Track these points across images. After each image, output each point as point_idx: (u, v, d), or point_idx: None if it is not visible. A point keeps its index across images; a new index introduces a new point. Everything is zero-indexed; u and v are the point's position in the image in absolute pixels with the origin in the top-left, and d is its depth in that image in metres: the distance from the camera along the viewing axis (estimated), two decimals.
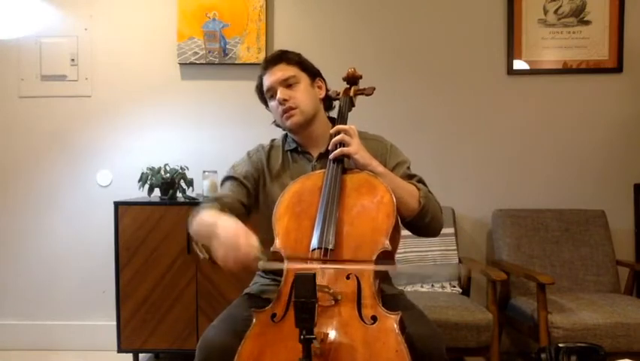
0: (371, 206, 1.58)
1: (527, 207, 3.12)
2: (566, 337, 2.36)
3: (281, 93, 1.78)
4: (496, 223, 3.10)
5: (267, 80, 1.81)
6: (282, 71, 1.79)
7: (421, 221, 1.69)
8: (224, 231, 1.43)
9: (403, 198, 1.63)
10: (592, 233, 3.01)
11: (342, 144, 1.67)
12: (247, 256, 1.39)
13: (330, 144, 1.69)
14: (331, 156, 1.67)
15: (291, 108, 1.78)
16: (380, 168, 1.66)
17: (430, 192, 1.74)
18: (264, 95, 1.85)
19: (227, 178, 1.85)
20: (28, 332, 3.27)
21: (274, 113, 1.85)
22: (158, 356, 3.12)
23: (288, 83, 1.79)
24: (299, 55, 1.85)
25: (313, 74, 1.86)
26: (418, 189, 1.70)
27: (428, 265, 2.97)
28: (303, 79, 1.82)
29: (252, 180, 1.83)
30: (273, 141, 1.93)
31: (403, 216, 1.67)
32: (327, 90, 1.89)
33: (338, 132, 1.69)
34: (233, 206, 1.73)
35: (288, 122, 1.80)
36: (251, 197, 1.82)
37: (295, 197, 1.64)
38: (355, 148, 1.66)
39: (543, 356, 1.99)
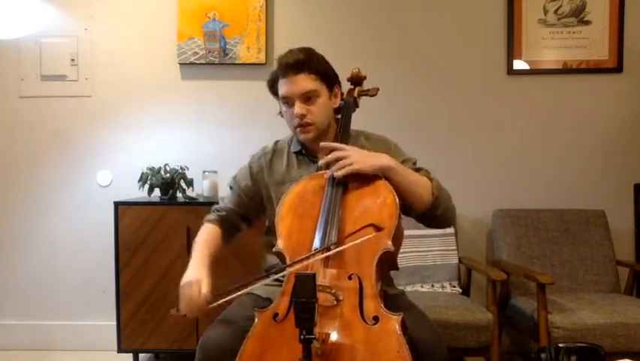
0: (374, 207, 1.58)
1: (527, 207, 3.12)
2: (566, 337, 2.36)
3: (299, 108, 1.73)
4: (496, 223, 3.10)
5: (285, 88, 1.75)
6: (303, 83, 1.73)
7: (435, 212, 1.68)
8: (183, 282, 1.64)
9: (417, 191, 1.63)
10: (592, 233, 3.01)
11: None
12: (196, 308, 1.59)
13: (329, 172, 1.63)
14: (337, 174, 1.59)
15: (308, 124, 1.74)
16: (392, 163, 1.62)
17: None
18: (275, 90, 1.80)
19: (230, 187, 1.94)
20: (28, 332, 3.26)
21: (287, 119, 1.81)
22: (158, 356, 3.12)
23: (307, 97, 1.74)
24: (321, 61, 1.77)
25: (333, 82, 1.80)
26: (431, 180, 1.70)
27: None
28: (323, 92, 1.76)
29: (250, 194, 1.88)
30: (276, 143, 1.92)
31: (417, 209, 1.67)
32: (342, 96, 1.86)
33: (330, 156, 1.64)
34: (232, 219, 1.88)
35: (302, 137, 1.78)
36: (249, 209, 1.89)
37: (297, 198, 1.64)
38: (358, 165, 1.59)
39: (543, 356, 1.99)
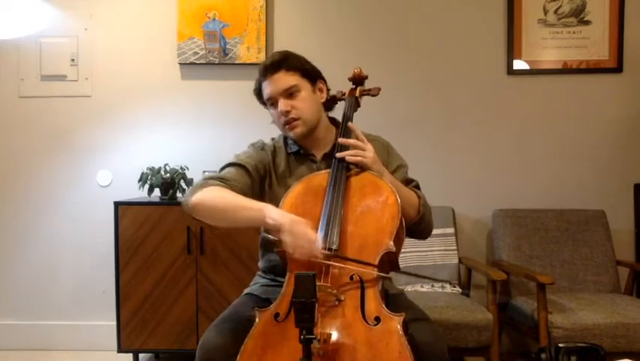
0: (376, 206, 1.59)
1: (527, 207, 3.12)
2: (566, 337, 2.37)
3: (283, 105, 1.74)
4: (496, 223, 3.10)
5: (267, 89, 1.77)
6: (283, 80, 1.74)
7: (416, 226, 1.73)
8: (288, 220, 1.47)
9: (405, 208, 1.64)
10: (592, 233, 3.01)
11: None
12: (314, 247, 1.44)
13: (344, 154, 1.67)
14: (348, 158, 1.65)
15: (294, 119, 1.75)
16: (386, 177, 1.66)
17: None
18: (263, 99, 1.81)
19: (231, 164, 1.75)
20: (28, 332, 3.26)
21: (276, 121, 1.82)
22: (158, 356, 3.12)
23: (289, 93, 1.75)
24: (298, 58, 1.79)
25: (314, 77, 1.81)
26: (419, 197, 1.73)
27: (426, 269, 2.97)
28: (305, 86, 1.77)
29: (256, 174, 1.77)
30: (273, 140, 1.91)
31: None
32: (328, 91, 1.87)
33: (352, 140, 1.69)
34: (240, 192, 1.65)
35: (292, 133, 1.78)
36: (254, 190, 1.75)
37: (299, 197, 1.64)
38: (372, 160, 1.66)
39: (543, 356, 1.99)
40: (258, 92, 1.82)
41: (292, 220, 1.47)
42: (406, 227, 1.68)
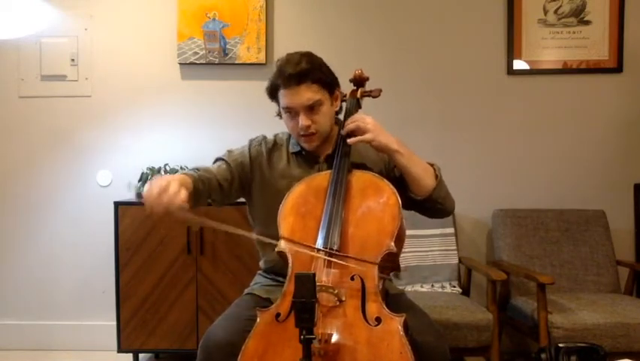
0: (376, 207, 1.59)
1: (527, 207, 3.12)
2: (566, 337, 2.36)
3: (304, 120, 1.71)
4: (496, 223, 3.10)
5: (288, 99, 1.71)
6: (306, 95, 1.69)
7: (438, 195, 1.72)
8: (159, 178, 1.48)
9: (420, 175, 1.68)
10: (592, 233, 3.01)
11: (352, 134, 1.69)
12: (171, 199, 1.42)
13: (344, 130, 1.71)
14: (349, 140, 1.68)
15: (312, 134, 1.74)
16: (400, 148, 1.68)
17: None
18: (274, 97, 1.78)
19: (219, 159, 1.84)
20: (28, 332, 3.26)
21: (288, 127, 1.80)
22: (158, 356, 3.12)
23: (310, 107, 1.71)
24: (322, 69, 1.74)
25: (333, 87, 1.78)
26: (432, 165, 1.75)
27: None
28: (326, 100, 1.75)
29: (241, 171, 1.81)
30: (276, 136, 1.91)
31: (420, 194, 1.70)
32: (343, 96, 1.86)
33: (352, 125, 1.71)
34: (210, 186, 1.72)
35: (306, 146, 1.78)
36: (233, 185, 1.79)
37: (301, 198, 1.65)
38: (372, 135, 1.67)
39: (543, 356, 1.99)
40: (271, 92, 1.78)
41: (157, 178, 1.48)
42: (427, 199, 1.71)
